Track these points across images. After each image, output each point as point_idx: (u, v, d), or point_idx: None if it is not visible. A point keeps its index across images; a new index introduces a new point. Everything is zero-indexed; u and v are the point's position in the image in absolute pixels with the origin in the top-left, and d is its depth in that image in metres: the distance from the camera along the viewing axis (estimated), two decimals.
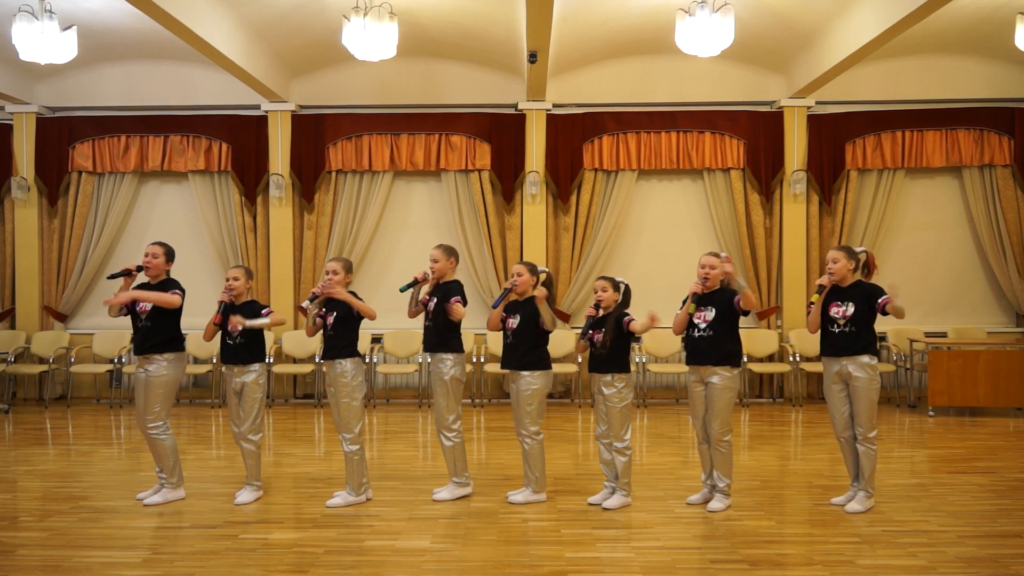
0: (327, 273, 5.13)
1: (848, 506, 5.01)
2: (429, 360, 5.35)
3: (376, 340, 9.31)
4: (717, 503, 5.06)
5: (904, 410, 8.69)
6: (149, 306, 5.18)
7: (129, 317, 5.34)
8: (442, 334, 5.23)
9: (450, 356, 5.24)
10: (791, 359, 8.95)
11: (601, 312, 5.13)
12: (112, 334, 9.34)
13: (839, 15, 7.68)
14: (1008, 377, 8.16)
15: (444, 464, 5.60)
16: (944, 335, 9.27)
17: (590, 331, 5.12)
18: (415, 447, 7.04)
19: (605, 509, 5.07)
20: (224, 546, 4.44)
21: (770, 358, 9.25)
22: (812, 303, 4.96)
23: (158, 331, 5.21)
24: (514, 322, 5.16)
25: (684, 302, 5.07)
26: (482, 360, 8.98)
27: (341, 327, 5.14)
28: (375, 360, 9.15)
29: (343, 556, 4.29)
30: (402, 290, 5.31)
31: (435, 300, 5.22)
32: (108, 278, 5.50)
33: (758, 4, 7.70)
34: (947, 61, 9.22)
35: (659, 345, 9.09)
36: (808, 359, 9.11)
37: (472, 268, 9.37)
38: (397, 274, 9.43)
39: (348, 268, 5.21)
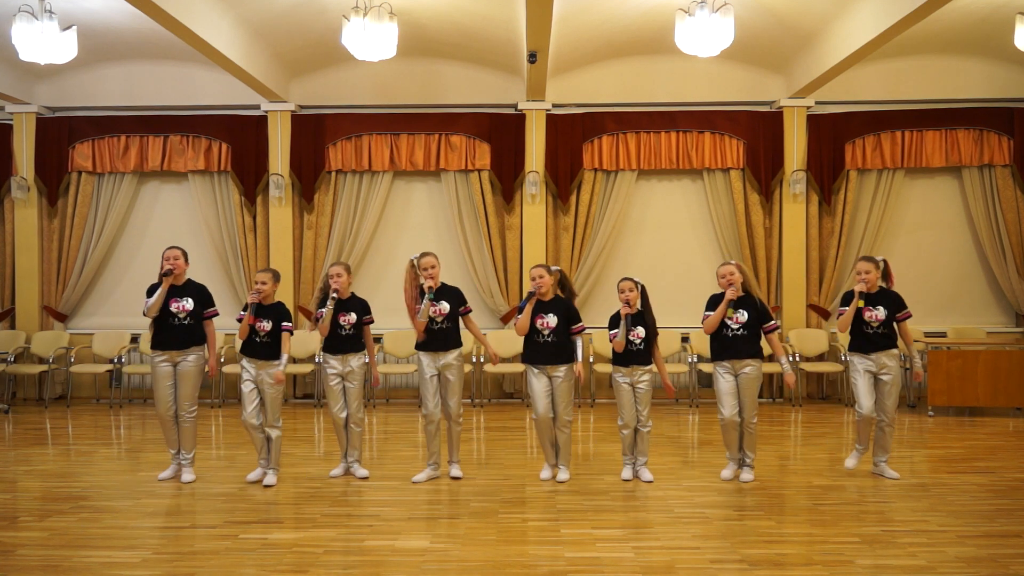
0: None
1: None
2: (441, 358, 5.71)
3: (376, 340, 9.31)
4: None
5: (904, 410, 8.69)
6: (191, 306, 5.69)
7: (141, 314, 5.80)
8: (454, 334, 5.75)
9: (458, 352, 5.79)
10: (791, 359, 8.94)
11: (628, 310, 5.64)
12: (112, 334, 9.36)
13: (839, 15, 7.68)
14: (1008, 377, 8.16)
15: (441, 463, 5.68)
16: (944, 335, 9.28)
17: (630, 330, 5.64)
18: (415, 447, 7.03)
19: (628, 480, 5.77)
20: (224, 546, 4.44)
21: (770, 358, 9.22)
22: (859, 307, 5.61)
23: (197, 329, 5.76)
24: (551, 321, 5.62)
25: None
26: (482, 360, 8.98)
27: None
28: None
29: (343, 556, 4.29)
30: (430, 298, 5.59)
31: (445, 304, 5.68)
32: (162, 275, 5.66)
33: (758, 4, 7.70)
34: (947, 61, 9.23)
35: (660, 346, 9.06)
36: (808, 359, 9.13)
37: (472, 268, 9.37)
38: (397, 274, 9.33)
39: (348, 270, 5.84)
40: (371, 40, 6.79)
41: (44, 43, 6.63)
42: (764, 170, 9.31)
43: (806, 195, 9.36)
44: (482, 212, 9.29)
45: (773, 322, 5.67)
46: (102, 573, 4.07)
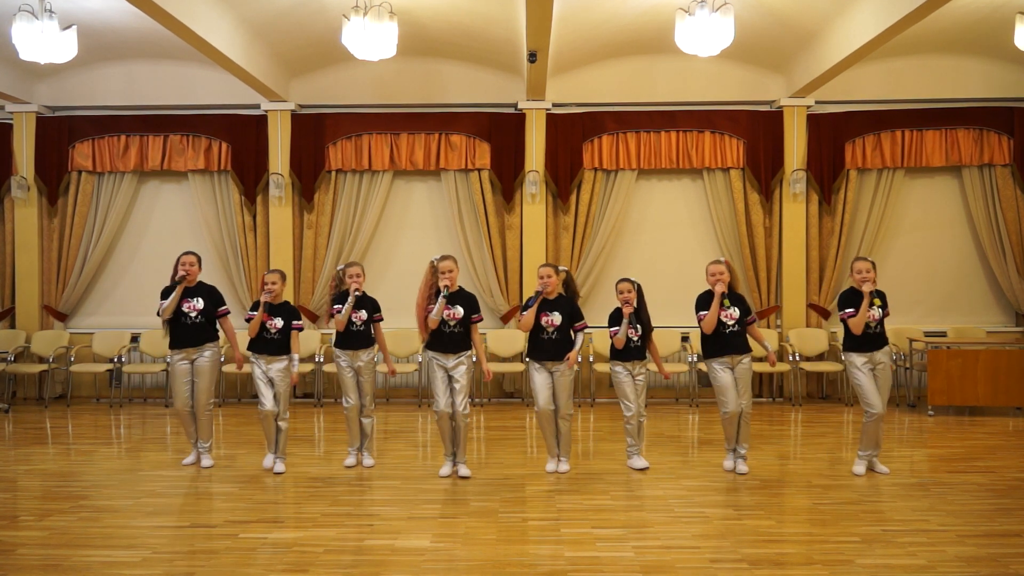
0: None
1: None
2: (451, 359, 5.81)
3: None
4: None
5: (904, 409, 8.70)
6: (201, 305, 6.08)
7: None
8: (464, 338, 5.85)
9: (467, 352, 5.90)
10: (791, 358, 8.94)
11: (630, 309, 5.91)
12: (112, 334, 9.36)
13: (839, 15, 7.68)
14: (1008, 376, 8.16)
15: (434, 462, 5.67)
16: (944, 335, 9.28)
17: (630, 329, 5.90)
18: (415, 447, 7.04)
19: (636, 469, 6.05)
20: (224, 546, 4.44)
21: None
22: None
23: (208, 327, 6.16)
24: (556, 319, 5.85)
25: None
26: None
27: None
28: (375, 360, 9.13)
29: (343, 556, 4.29)
30: (444, 296, 5.68)
31: (459, 308, 5.79)
32: (176, 280, 6.07)
33: (758, 4, 7.70)
34: (947, 61, 9.22)
35: (659, 345, 9.07)
36: (808, 359, 9.13)
37: (472, 268, 9.37)
38: (397, 273, 9.44)
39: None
40: (371, 40, 6.79)
41: (44, 42, 6.62)
42: (764, 170, 9.31)
43: (806, 195, 9.36)
44: (482, 212, 9.29)
45: (753, 315, 6.03)
46: (102, 573, 4.07)
